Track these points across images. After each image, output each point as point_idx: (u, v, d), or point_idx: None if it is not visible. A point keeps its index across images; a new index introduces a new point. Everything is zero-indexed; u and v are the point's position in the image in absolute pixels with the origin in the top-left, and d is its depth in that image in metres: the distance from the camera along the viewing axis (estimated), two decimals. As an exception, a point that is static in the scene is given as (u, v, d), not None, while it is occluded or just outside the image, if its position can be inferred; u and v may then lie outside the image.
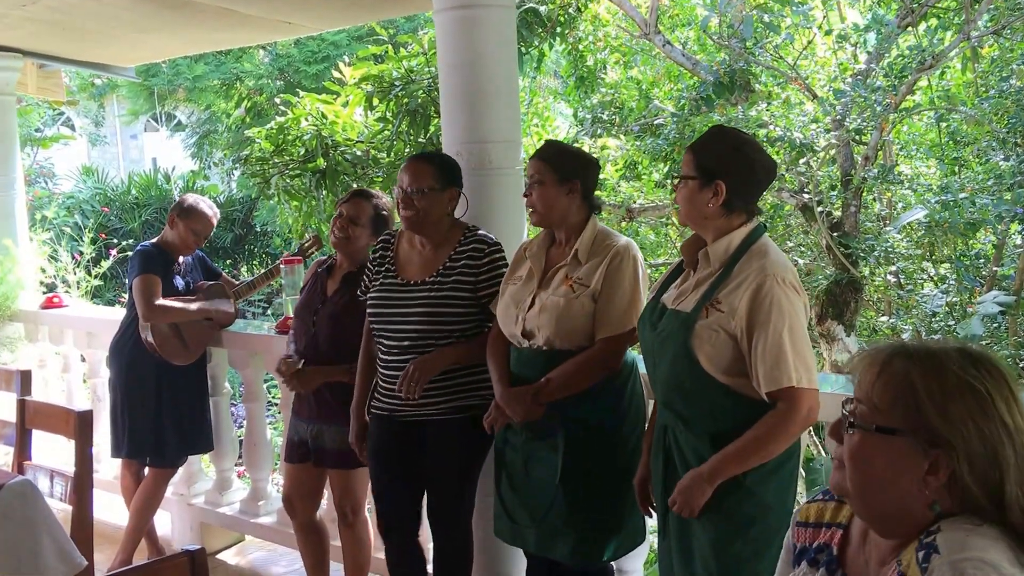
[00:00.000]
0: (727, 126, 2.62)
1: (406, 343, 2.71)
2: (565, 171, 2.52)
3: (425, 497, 2.87)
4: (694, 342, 2.06)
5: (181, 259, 3.71)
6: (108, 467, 4.33)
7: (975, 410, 1.22)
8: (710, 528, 2.10)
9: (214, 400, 3.85)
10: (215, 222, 3.71)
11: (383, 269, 2.83)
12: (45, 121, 16.98)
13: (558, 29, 6.95)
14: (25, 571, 2.50)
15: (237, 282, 3.88)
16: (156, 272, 3.53)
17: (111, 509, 4.15)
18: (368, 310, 2.82)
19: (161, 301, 3.50)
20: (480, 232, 2.79)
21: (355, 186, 4.96)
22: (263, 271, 3.82)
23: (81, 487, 2.79)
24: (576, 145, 4.52)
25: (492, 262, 2.73)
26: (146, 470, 3.76)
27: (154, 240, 3.69)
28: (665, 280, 2.30)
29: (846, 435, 1.31)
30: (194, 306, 3.61)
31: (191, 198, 3.72)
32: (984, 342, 5.08)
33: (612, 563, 2.69)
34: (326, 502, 3.44)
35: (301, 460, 3.14)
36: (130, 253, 3.73)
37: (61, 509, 2.81)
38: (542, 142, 3.03)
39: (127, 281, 3.64)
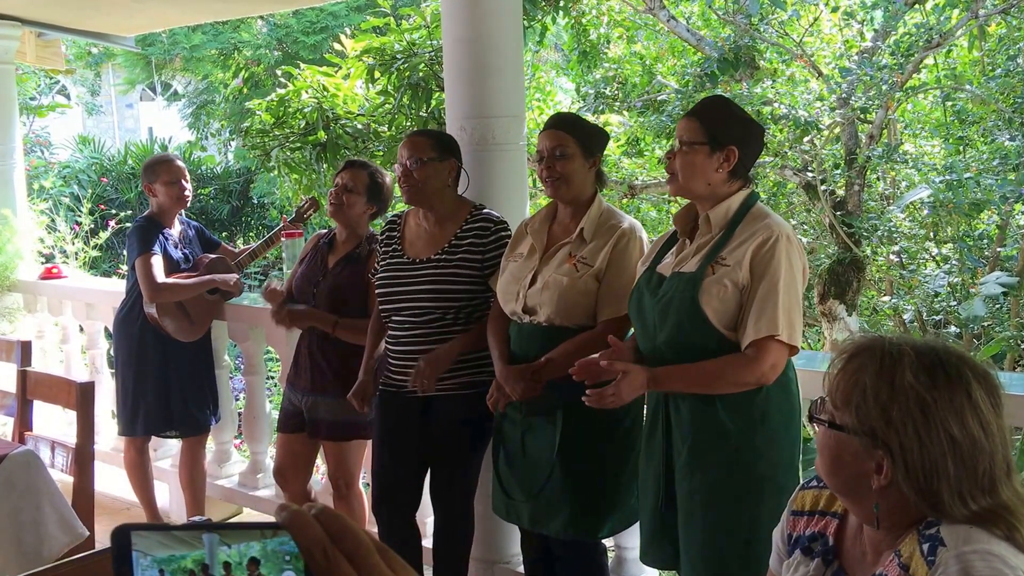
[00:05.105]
0: (724, 95, 2.61)
1: (414, 320, 2.70)
2: (590, 145, 2.51)
3: (428, 474, 2.86)
4: (702, 298, 2.08)
5: (179, 229, 3.66)
6: (106, 439, 4.32)
7: (917, 417, 1.22)
8: (725, 488, 2.11)
9: (216, 373, 3.82)
10: (180, 163, 3.66)
11: (390, 249, 2.83)
12: (41, 90, 16.80)
13: (561, 3, 6.86)
14: (27, 540, 2.51)
15: (237, 251, 3.85)
16: (154, 248, 3.50)
17: (110, 481, 4.15)
18: (376, 290, 2.82)
19: (164, 280, 3.47)
20: (487, 210, 2.78)
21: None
22: (262, 239, 3.78)
23: (83, 458, 2.78)
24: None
25: (498, 240, 2.72)
26: (150, 446, 3.75)
27: (146, 213, 3.65)
28: (658, 251, 2.29)
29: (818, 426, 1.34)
30: (197, 280, 3.58)
31: (149, 161, 3.67)
32: (985, 323, 5.08)
33: (605, 540, 2.69)
34: (322, 477, 3.43)
35: (295, 430, 3.15)
36: (129, 226, 3.69)
37: (62, 480, 2.80)
38: (551, 113, 3.00)
39: (127, 260, 3.61)
